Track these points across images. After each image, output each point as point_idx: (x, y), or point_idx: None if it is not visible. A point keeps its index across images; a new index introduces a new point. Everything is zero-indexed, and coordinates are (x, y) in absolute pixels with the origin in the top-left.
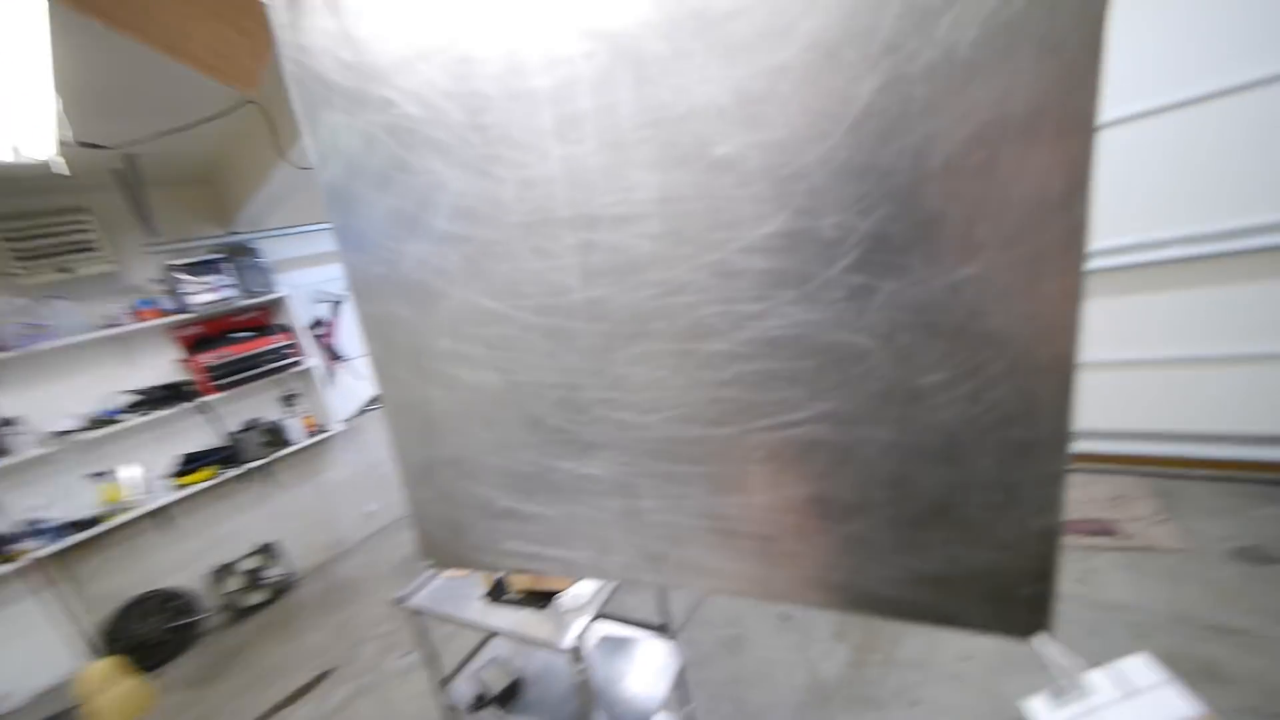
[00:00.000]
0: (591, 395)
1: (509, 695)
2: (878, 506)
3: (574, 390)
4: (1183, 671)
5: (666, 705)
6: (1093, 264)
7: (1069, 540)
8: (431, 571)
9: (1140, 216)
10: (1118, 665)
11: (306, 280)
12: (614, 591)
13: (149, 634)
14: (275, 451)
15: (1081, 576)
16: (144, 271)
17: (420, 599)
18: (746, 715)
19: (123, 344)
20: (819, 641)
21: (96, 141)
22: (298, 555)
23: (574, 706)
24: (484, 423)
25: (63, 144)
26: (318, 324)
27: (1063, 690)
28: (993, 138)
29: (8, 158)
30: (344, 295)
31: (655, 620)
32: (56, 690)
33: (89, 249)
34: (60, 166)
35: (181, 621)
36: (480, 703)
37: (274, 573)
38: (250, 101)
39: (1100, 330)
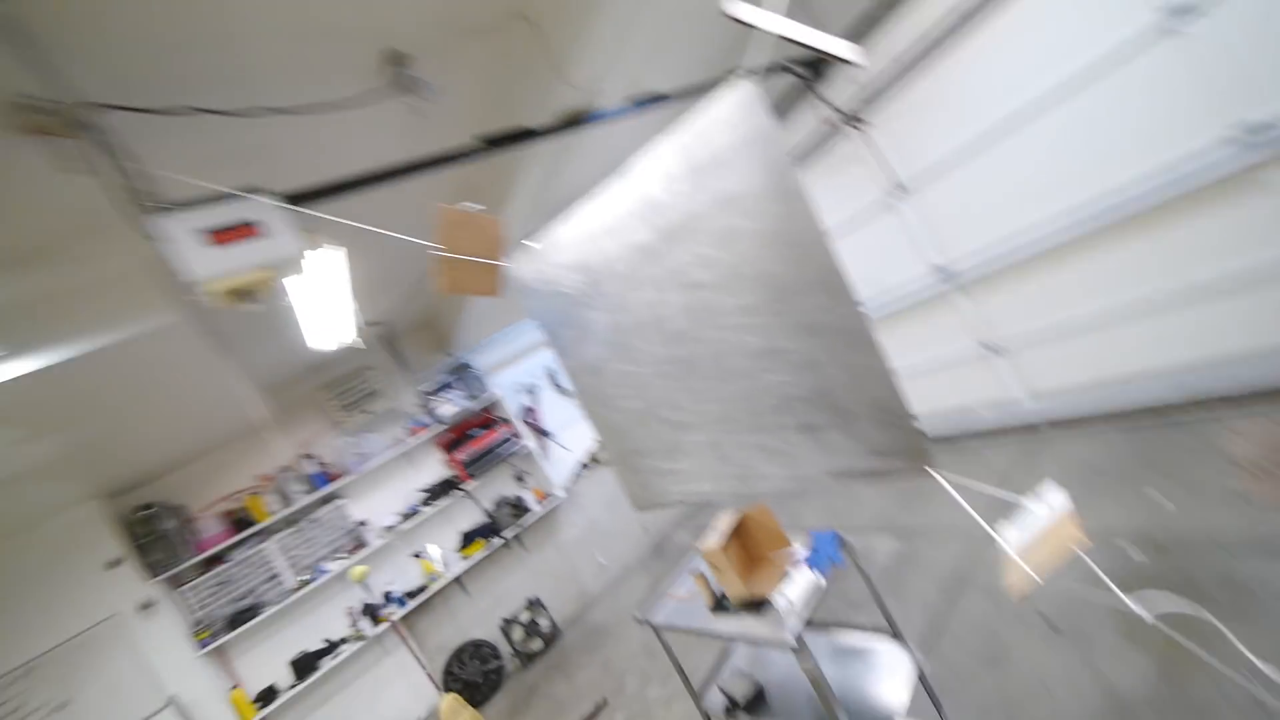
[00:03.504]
0: (682, 400)
1: (755, 702)
2: (829, 424)
3: (674, 398)
4: None
5: (914, 711)
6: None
7: None
8: (664, 596)
9: None
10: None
11: (510, 378)
12: (823, 595)
13: (471, 676)
14: (521, 521)
15: None
16: (410, 400)
17: (658, 618)
18: None
19: (408, 456)
20: (1105, 651)
21: (374, 319)
22: (556, 607)
23: (817, 708)
24: (639, 424)
25: (358, 328)
26: (527, 410)
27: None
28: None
29: (333, 347)
30: (539, 382)
31: (884, 626)
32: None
33: (376, 393)
34: (359, 344)
35: (491, 666)
36: (731, 710)
37: (544, 622)
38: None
39: None
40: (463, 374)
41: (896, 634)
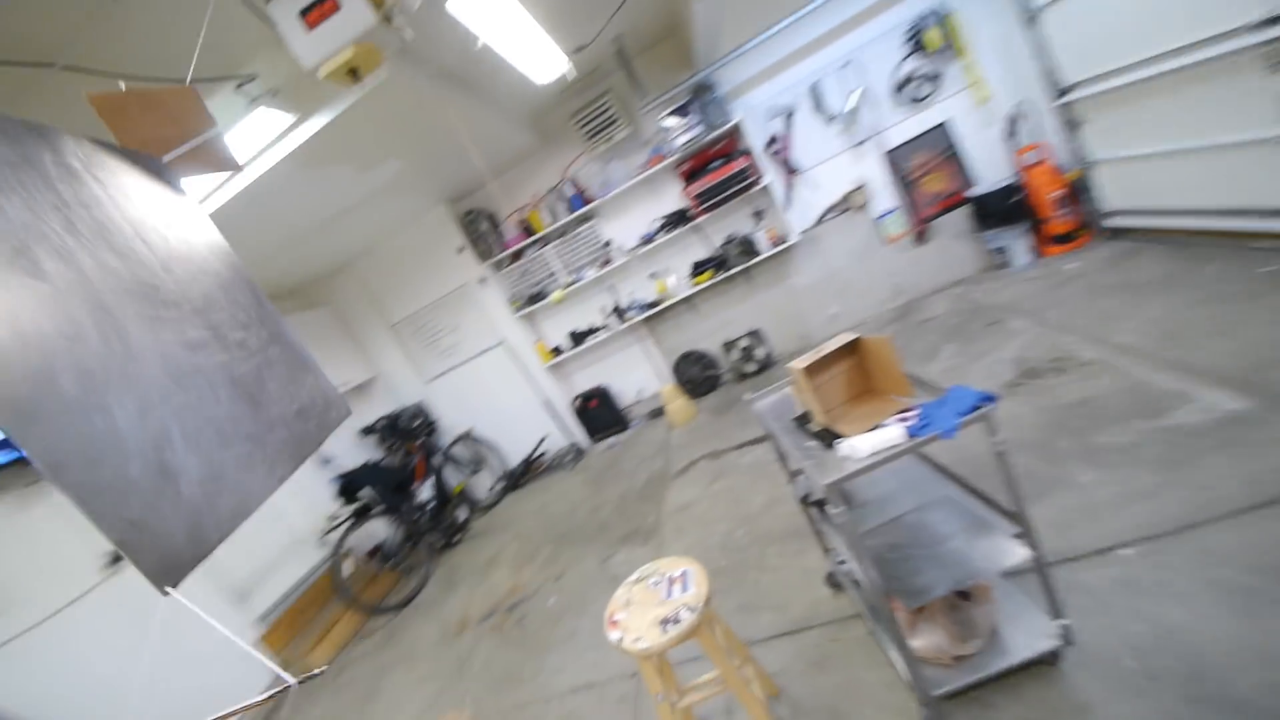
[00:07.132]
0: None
1: (821, 503)
2: None
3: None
4: None
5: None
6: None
7: None
8: (779, 385)
9: None
10: None
11: (757, 99)
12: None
13: (693, 376)
14: (749, 260)
15: None
16: (650, 126)
17: (760, 405)
18: None
19: (649, 185)
20: None
21: (581, 44)
22: (775, 341)
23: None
24: None
25: (567, 56)
26: (773, 140)
27: None
28: None
29: (547, 80)
30: (796, 103)
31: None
32: (653, 397)
33: (615, 121)
34: (571, 72)
35: (709, 373)
36: (805, 500)
37: (760, 351)
38: None
39: None
40: (701, 97)
41: (1021, 522)
